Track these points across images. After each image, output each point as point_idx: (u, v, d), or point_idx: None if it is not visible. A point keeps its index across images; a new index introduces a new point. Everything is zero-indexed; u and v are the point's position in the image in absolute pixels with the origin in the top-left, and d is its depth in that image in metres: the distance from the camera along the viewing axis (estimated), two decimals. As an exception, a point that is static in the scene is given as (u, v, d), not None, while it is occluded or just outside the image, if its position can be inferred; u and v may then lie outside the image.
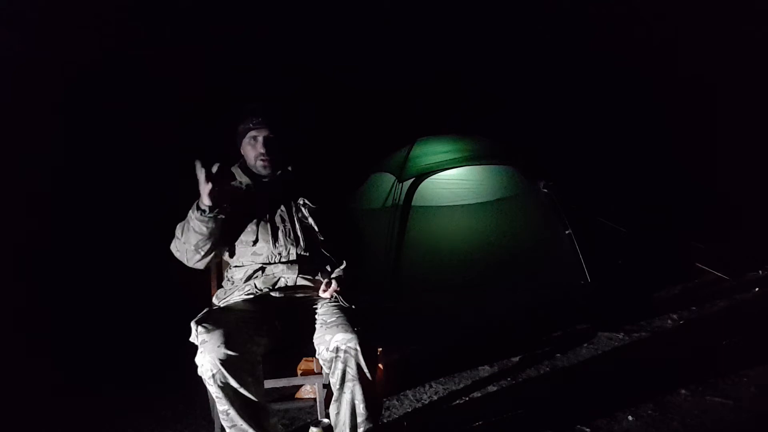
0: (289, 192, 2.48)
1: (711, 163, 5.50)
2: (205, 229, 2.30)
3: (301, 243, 2.42)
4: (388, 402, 2.99)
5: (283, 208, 2.46)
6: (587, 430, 2.58)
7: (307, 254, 2.42)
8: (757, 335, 3.27)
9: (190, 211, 2.31)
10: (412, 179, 4.18)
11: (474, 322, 3.69)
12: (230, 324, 2.22)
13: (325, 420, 2.37)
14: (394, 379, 3.09)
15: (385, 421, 2.84)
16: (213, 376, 2.16)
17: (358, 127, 6.40)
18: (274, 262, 2.41)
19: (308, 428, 2.44)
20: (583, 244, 4.03)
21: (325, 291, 2.37)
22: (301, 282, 2.41)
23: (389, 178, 4.35)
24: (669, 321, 3.68)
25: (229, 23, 6.55)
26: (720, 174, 5.34)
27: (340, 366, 2.22)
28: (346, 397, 2.23)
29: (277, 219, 2.44)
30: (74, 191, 5.23)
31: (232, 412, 2.21)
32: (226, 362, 2.15)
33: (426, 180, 4.19)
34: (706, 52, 6.34)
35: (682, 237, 4.63)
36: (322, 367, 2.47)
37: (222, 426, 2.63)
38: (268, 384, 2.73)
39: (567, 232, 4.06)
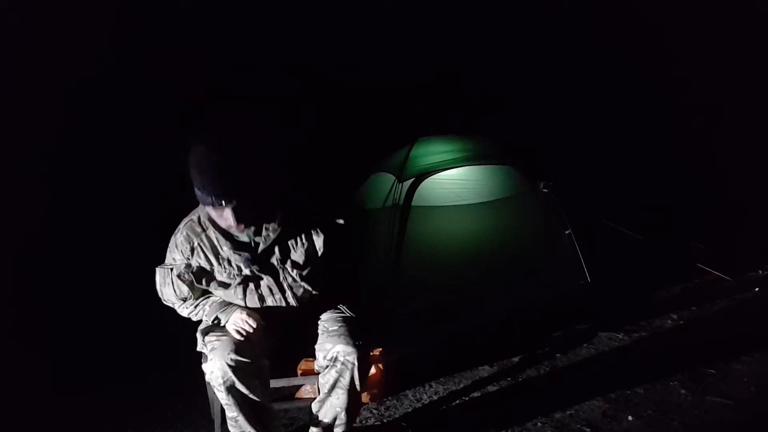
0: (272, 251, 2.24)
1: (711, 163, 5.50)
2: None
3: (294, 305, 2.31)
4: (388, 402, 2.99)
5: (267, 275, 2.26)
6: (587, 430, 2.58)
7: (302, 313, 2.33)
8: (757, 335, 3.27)
9: (209, 305, 2.30)
10: (412, 179, 4.18)
11: (474, 322, 3.69)
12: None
13: (325, 420, 2.38)
14: (394, 379, 3.09)
15: (385, 421, 2.84)
16: (223, 383, 2.17)
17: (358, 127, 6.40)
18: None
19: (308, 428, 2.45)
20: (583, 244, 4.02)
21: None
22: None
23: (389, 178, 4.35)
24: (669, 321, 3.68)
25: (229, 23, 6.56)
26: (720, 174, 5.34)
27: (334, 374, 2.28)
28: (332, 402, 2.32)
29: (264, 289, 2.28)
30: (74, 191, 5.23)
31: (241, 419, 2.22)
32: (235, 369, 2.16)
33: (426, 180, 4.19)
34: (706, 52, 6.33)
35: (682, 237, 4.63)
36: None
37: (221, 426, 2.63)
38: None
39: (567, 232, 4.06)
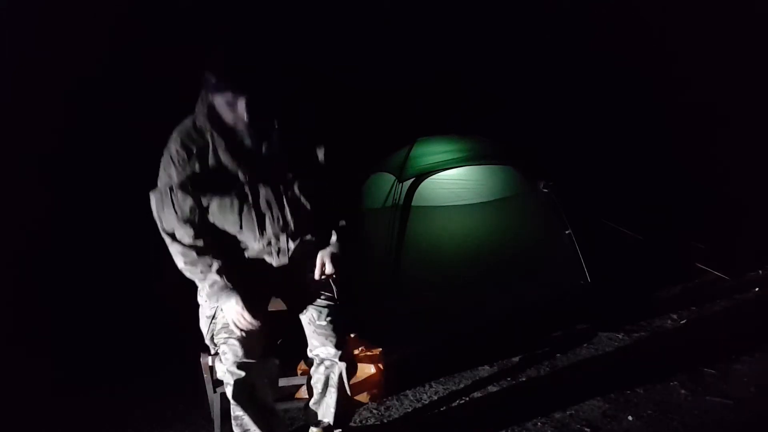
0: (275, 159, 2.14)
1: (711, 163, 5.49)
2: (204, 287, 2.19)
3: (291, 228, 2.18)
4: (388, 402, 2.99)
5: (267, 188, 2.13)
6: (587, 430, 2.58)
7: (300, 241, 2.22)
8: (757, 335, 3.27)
9: (209, 284, 2.14)
10: (412, 179, 4.18)
11: (474, 322, 3.69)
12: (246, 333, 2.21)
13: (325, 420, 2.38)
14: (394, 379, 3.09)
15: (385, 421, 2.84)
16: (233, 382, 2.17)
17: (358, 127, 6.39)
18: (263, 251, 2.20)
19: (308, 428, 2.45)
20: (583, 244, 4.02)
21: (321, 275, 2.24)
22: (295, 262, 2.25)
23: (389, 178, 4.35)
24: (669, 321, 3.68)
25: (229, 23, 6.55)
26: (720, 174, 5.33)
27: (323, 372, 2.34)
28: (328, 401, 2.37)
29: (263, 203, 2.14)
30: (74, 191, 5.22)
31: (246, 419, 2.21)
32: (245, 369, 2.17)
33: (426, 180, 4.19)
34: (705, 52, 6.33)
35: (682, 237, 4.63)
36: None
37: (221, 426, 2.63)
38: (268, 384, 2.73)
39: (567, 231, 4.06)
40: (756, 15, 6.13)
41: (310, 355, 2.35)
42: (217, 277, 2.12)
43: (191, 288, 2.85)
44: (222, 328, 2.23)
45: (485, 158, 4.35)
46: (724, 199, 5.09)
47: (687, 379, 2.89)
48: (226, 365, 2.18)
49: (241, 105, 2.01)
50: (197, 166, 2.09)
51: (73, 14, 5.28)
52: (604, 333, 3.55)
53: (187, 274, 2.18)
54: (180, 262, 2.16)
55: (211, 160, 2.10)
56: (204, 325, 2.30)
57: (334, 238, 2.26)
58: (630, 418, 2.63)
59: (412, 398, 3.02)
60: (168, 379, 3.40)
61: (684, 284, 4.15)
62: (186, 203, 2.11)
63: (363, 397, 2.99)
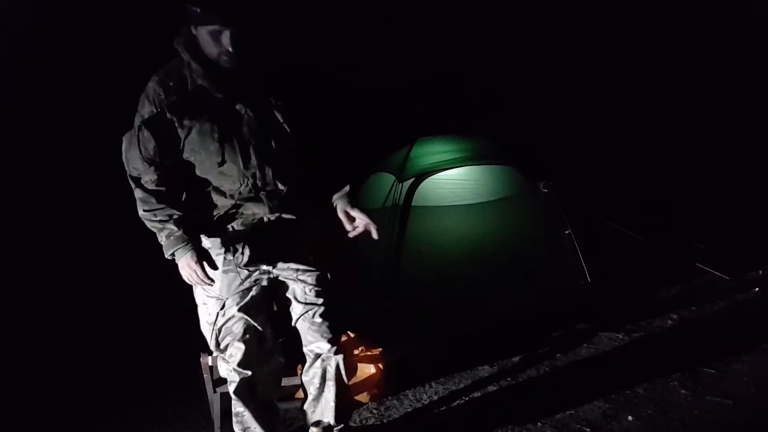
0: (259, 92, 2.08)
1: (711, 163, 5.49)
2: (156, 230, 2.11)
3: (276, 162, 2.08)
4: (388, 402, 2.99)
5: (251, 114, 2.05)
6: (587, 430, 2.58)
7: (287, 178, 2.12)
8: (757, 335, 3.27)
9: (166, 234, 2.07)
10: (412, 179, 4.18)
11: (474, 322, 3.69)
12: (250, 329, 2.20)
13: (325, 420, 2.38)
14: (394, 379, 3.09)
15: (385, 421, 2.84)
16: (239, 380, 2.17)
17: (357, 127, 6.39)
18: (247, 196, 2.09)
19: (308, 428, 2.45)
20: (583, 244, 4.02)
21: (356, 229, 2.17)
22: (286, 217, 2.16)
23: (389, 178, 4.35)
24: (669, 321, 3.68)
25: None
26: (720, 174, 5.33)
27: (319, 367, 2.31)
28: (326, 396, 2.32)
29: (245, 132, 2.05)
30: (74, 191, 5.22)
31: (247, 415, 2.22)
32: (252, 366, 2.18)
33: (426, 180, 4.19)
34: (706, 52, 6.33)
35: (682, 237, 4.63)
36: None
37: (221, 426, 2.63)
38: (268, 384, 2.73)
39: (567, 232, 4.06)
40: (756, 15, 6.13)
41: (304, 350, 2.31)
42: (174, 228, 2.06)
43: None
44: (226, 333, 2.21)
45: (485, 158, 4.35)
46: (724, 199, 5.09)
47: (687, 379, 2.89)
48: (231, 365, 2.17)
49: (227, 36, 1.97)
50: (175, 98, 2.03)
51: (73, 14, 5.28)
52: (604, 333, 3.55)
53: (147, 224, 2.12)
54: (140, 209, 2.10)
55: (190, 88, 2.04)
56: (207, 331, 2.26)
57: (345, 190, 2.22)
58: (630, 418, 2.63)
59: (412, 398, 3.02)
60: (168, 379, 3.40)
61: (684, 284, 4.14)
62: (150, 142, 2.04)
63: (363, 397, 2.99)
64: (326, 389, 2.32)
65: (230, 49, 1.98)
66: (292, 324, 2.28)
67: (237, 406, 2.23)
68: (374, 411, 2.92)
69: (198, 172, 2.09)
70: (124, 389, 3.40)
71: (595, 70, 6.82)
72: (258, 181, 2.08)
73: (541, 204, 4.19)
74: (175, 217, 2.06)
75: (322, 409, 2.34)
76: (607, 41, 6.61)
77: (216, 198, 2.11)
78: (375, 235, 2.19)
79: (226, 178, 2.08)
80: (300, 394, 3.03)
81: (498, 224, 4.27)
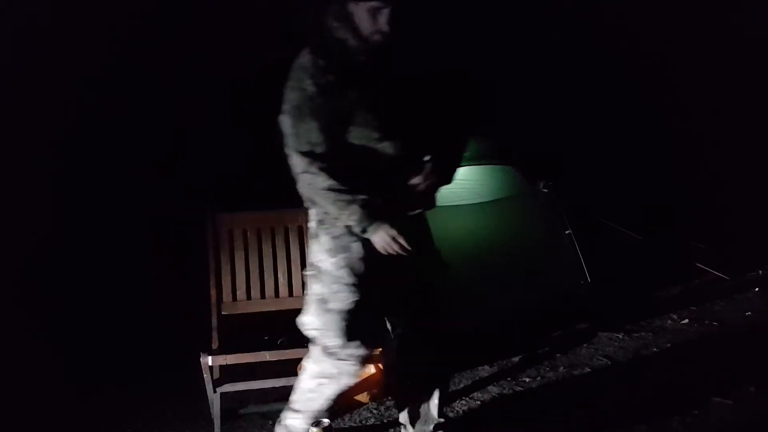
0: (407, 72, 2.07)
1: (711, 163, 5.49)
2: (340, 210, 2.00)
3: (425, 142, 2.08)
4: (388, 402, 2.99)
5: (405, 92, 2.04)
6: (588, 430, 2.58)
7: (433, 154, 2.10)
8: (758, 335, 3.27)
9: (360, 204, 1.97)
10: (412, 179, 4.18)
11: (474, 322, 3.69)
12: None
13: (325, 420, 2.38)
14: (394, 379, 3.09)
15: (385, 421, 2.84)
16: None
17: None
18: (401, 173, 2.05)
19: (308, 428, 2.45)
20: (583, 244, 4.02)
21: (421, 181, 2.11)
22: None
23: (389, 178, 4.35)
24: (669, 321, 3.68)
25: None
26: (720, 174, 5.33)
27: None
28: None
29: (400, 109, 2.03)
30: (75, 191, 5.22)
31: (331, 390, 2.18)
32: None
33: (426, 180, 4.19)
34: (706, 51, 6.33)
35: (682, 237, 4.62)
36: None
37: (221, 427, 2.63)
38: (268, 384, 2.74)
39: (567, 232, 4.06)
40: (756, 15, 6.13)
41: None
42: (365, 196, 1.97)
43: (191, 288, 2.86)
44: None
45: (485, 158, 4.35)
46: (724, 198, 5.09)
47: (686, 379, 2.89)
48: (354, 358, 2.12)
49: (384, 15, 1.95)
50: (333, 72, 1.98)
51: (73, 14, 5.28)
52: (604, 333, 3.55)
53: (331, 197, 1.99)
54: (321, 183, 1.98)
55: (343, 64, 1.99)
56: (332, 321, 2.10)
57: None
58: (630, 418, 2.62)
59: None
60: (168, 379, 3.40)
61: (684, 284, 4.15)
62: (326, 110, 1.96)
63: (363, 397, 2.99)
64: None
65: (385, 28, 1.95)
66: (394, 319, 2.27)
67: (326, 379, 2.17)
68: (374, 411, 2.92)
69: (352, 147, 2.02)
70: (124, 389, 3.39)
71: (595, 70, 6.82)
72: (408, 161, 2.07)
73: (541, 204, 4.19)
74: (361, 189, 1.98)
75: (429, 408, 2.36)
76: (608, 41, 6.61)
77: (365, 178, 2.03)
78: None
79: (379, 157, 2.04)
80: (300, 394, 3.04)
81: (498, 224, 4.26)
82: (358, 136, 2.01)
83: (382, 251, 2.01)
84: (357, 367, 2.14)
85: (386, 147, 2.03)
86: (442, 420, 2.35)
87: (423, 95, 2.08)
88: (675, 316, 3.70)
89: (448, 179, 2.22)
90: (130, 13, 5.49)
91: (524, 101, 6.73)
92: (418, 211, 2.19)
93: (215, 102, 5.74)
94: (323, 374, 2.16)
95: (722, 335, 3.38)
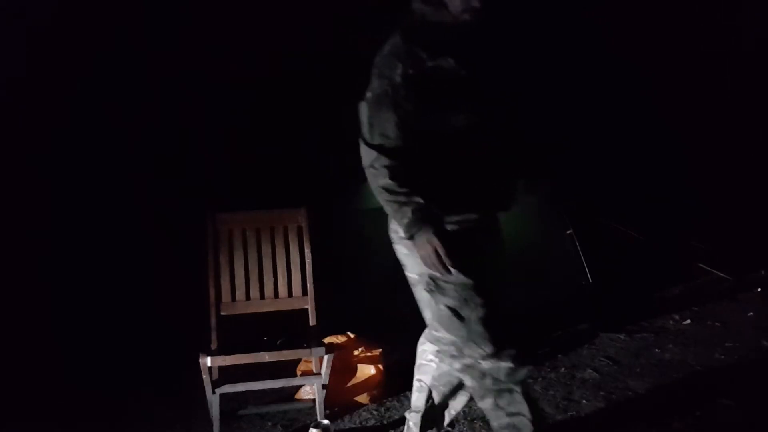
0: (497, 60, 1.97)
1: (712, 163, 5.48)
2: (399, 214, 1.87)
3: (511, 135, 1.97)
4: (388, 403, 2.98)
5: (496, 79, 1.95)
6: (588, 430, 2.57)
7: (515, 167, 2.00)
8: (759, 336, 3.26)
9: (413, 208, 1.83)
10: (413, 179, 4.17)
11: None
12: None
13: (325, 421, 2.37)
14: (394, 379, 3.08)
15: (385, 422, 2.83)
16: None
17: (357, 127, 6.38)
18: (490, 174, 1.91)
19: (308, 429, 2.44)
20: (584, 243, 4.01)
21: None
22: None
23: (389, 178, 4.34)
24: (670, 321, 3.66)
25: (229, 24, 6.55)
26: (721, 174, 5.32)
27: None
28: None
29: (493, 97, 1.94)
30: (75, 191, 5.21)
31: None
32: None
33: (426, 180, 4.18)
34: (707, 50, 6.32)
35: (683, 237, 4.61)
36: (321, 368, 2.47)
37: (220, 427, 2.61)
38: (267, 385, 2.73)
39: (568, 232, 4.05)
40: (756, 16, 6.11)
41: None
42: (421, 201, 1.83)
43: (191, 288, 2.85)
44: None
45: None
46: (725, 198, 5.07)
47: (688, 380, 2.88)
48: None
49: None
50: (425, 56, 1.83)
51: (73, 14, 5.28)
52: (606, 333, 3.53)
53: (385, 197, 1.87)
54: (382, 179, 1.85)
55: (434, 48, 1.84)
56: (449, 320, 1.94)
57: None
58: (631, 418, 2.61)
59: (412, 399, 3.00)
60: (168, 379, 3.39)
61: (685, 284, 4.14)
62: (407, 103, 1.83)
63: (363, 398, 2.98)
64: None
65: (476, 3, 1.81)
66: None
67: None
68: (374, 412, 2.91)
69: (438, 140, 1.88)
70: (124, 390, 3.39)
71: (594, 68, 6.80)
72: (496, 144, 1.94)
73: (542, 204, 4.18)
74: (418, 191, 1.84)
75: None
76: (609, 39, 6.59)
77: (450, 178, 1.91)
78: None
79: (468, 150, 1.90)
80: (299, 394, 3.03)
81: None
82: (447, 124, 1.86)
83: (422, 262, 1.87)
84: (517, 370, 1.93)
85: (477, 138, 1.89)
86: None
87: (513, 82, 1.97)
88: (677, 317, 3.69)
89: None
90: (131, 14, 5.49)
91: (525, 100, 6.71)
92: (500, 212, 2.05)
93: (215, 102, 5.74)
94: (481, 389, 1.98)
95: (724, 336, 3.37)
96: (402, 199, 1.85)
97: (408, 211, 1.84)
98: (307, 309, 2.83)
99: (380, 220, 4.36)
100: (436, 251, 1.82)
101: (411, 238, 1.86)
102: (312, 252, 2.87)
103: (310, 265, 2.86)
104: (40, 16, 5.17)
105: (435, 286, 1.94)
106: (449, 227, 1.90)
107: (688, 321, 3.65)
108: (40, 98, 5.15)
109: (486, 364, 1.92)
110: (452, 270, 1.85)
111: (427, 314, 2.02)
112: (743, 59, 6.31)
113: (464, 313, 1.92)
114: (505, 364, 1.92)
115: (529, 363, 1.99)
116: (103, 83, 5.38)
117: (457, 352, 1.96)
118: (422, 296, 2.01)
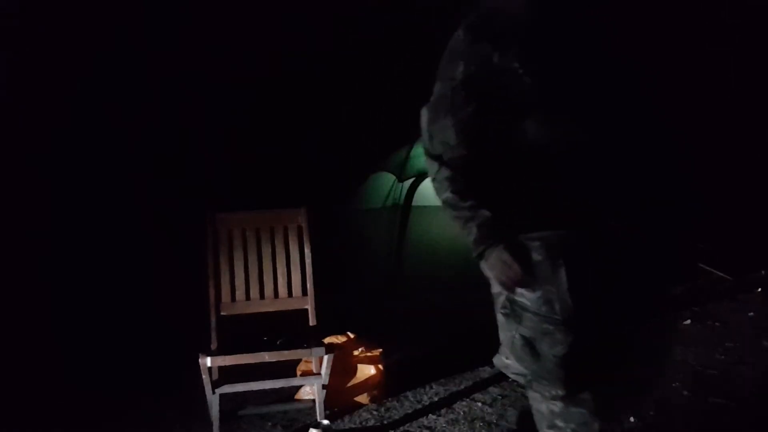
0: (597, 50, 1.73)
1: (712, 163, 5.47)
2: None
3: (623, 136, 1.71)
4: (388, 403, 2.98)
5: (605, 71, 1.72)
6: (588, 431, 2.56)
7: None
8: (760, 336, 3.26)
9: (478, 223, 1.63)
10: (413, 179, 4.17)
11: (474, 322, 3.68)
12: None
13: (324, 421, 2.37)
14: (394, 380, 3.08)
15: (385, 422, 2.83)
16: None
17: (358, 126, 6.39)
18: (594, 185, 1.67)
19: (307, 430, 2.44)
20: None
21: None
22: None
23: (389, 178, 4.34)
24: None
25: (229, 24, 6.55)
26: (721, 173, 5.31)
27: None
28: None
29: (599, 93, 1.72)
30: (75, 191, 5.22)
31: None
32: None
33: (426, 180, 4.18)
34: (708, 50, 6.31)
35: (683, 237, 4.60)
36: (321, 368, 2.47)
37: (220, 427, 2.61)
38: (267, 385, 2.73)
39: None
40: (755, 16, 6.11)
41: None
42: (489, 214, 1.61)
43: (191, 288, 2.84)
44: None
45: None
46: (725, 198, 5.07)
47: (689, 380, 2.87)
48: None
49: None
50: (497, 54, 1.56)
51: (74, 14, 5.28)
52: (606, 333, 3.52)
53: (449, 213, 1.68)
54: (444, 193, 1.66)
55: (507, 40, 1.58)
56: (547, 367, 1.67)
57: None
58: (632, 419, 2.61)
59: (412, 399, 3.00)
60: (168, 380, 3.39)
61: (686, 284, 4.13)
62: (470, 104, 1.57)
63: (363, 399, 2.97)
64: None
65: None
66: None
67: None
68: (374, 412, 2.91)
69: (523, 146, 1.68)
70: (124, 390, 3.39)
71: (596, 67, 6.80)
72: (594, 135, 1.74)
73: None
74: (488, 202, 1.63)
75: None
76: (611, 37, 6.59)
77: (541, 190, 1.73)
78: None
79: (569, 157, 1.71)
80: (299, 395, 3.03)
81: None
82: (533, 129, 1.67)
83: (496, 281, 1.65)
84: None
85: (559, 129, 1.70)
86: None
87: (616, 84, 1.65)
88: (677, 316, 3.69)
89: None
90: (131, 14, 5.49)
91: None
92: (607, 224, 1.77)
93: (215, 102, 5.74)
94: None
95: (724, 336, 3.36)
96: (466, 214, 1.64)
97: (473, 227, 1.64)
98: (307, 309, 2.83)
99: (380, 220, 4.38)
100: (511, 267, 1.60)
101: (480, 257, 1.65)
102: (312, 252, 2.87)
103: (310, 265, 2.86)
104: (40, 16, 5.18)
105: (511, 311, 1.73)
106: (532, 244, 1.66)
107: (689, 321, 3.65)
108: (40, 98, 5.15)
109: (556, 407, 1.68)
110: (532, 294, 1.63)
111: (501, 336, 1.83)
112: (743, 58, 6.30)
113: (540, 347, 1.66)
114: (577, 410, 1.66)
115: (606, 417, 1.69)
116: (103, 83, 5.38)
117: (526, 384, 1.77)
118: (498, 317, 1.80)
